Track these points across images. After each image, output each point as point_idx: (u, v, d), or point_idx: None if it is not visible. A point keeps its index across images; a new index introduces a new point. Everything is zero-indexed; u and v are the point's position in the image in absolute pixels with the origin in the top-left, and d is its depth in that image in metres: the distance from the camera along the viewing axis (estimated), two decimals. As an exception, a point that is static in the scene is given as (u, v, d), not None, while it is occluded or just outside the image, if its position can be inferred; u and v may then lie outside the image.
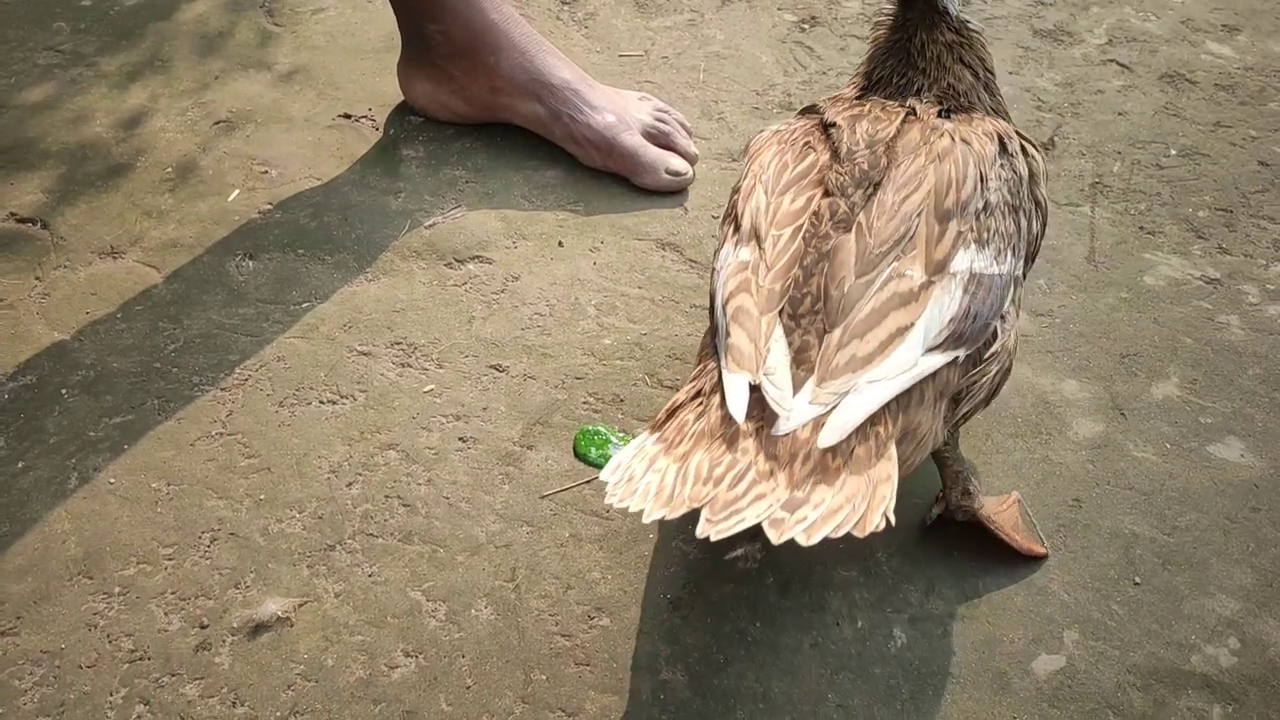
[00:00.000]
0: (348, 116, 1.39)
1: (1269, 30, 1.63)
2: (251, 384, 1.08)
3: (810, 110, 0.96)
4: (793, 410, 0.74)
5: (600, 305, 1.18)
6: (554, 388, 1.08)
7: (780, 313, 0.79)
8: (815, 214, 0.83)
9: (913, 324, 0.77)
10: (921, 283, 0.79)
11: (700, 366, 0.85)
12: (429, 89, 1.34)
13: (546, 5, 1.63)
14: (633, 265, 1.23)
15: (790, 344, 0.78)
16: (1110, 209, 1.31)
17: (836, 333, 0.77)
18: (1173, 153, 1.39)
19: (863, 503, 0.70)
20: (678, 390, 1.00)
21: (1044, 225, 0.92)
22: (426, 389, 1.08)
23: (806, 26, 1.62)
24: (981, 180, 0.84)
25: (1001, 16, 1.63)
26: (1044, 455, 1.03)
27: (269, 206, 1.27)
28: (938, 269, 0.79)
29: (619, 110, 1.31)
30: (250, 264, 1.20)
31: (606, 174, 1.32)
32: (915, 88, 0.93)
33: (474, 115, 1.35)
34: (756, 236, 0.84)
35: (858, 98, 0.95)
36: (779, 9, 1.66)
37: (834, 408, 0.74)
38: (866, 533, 0.69)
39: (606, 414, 1.06)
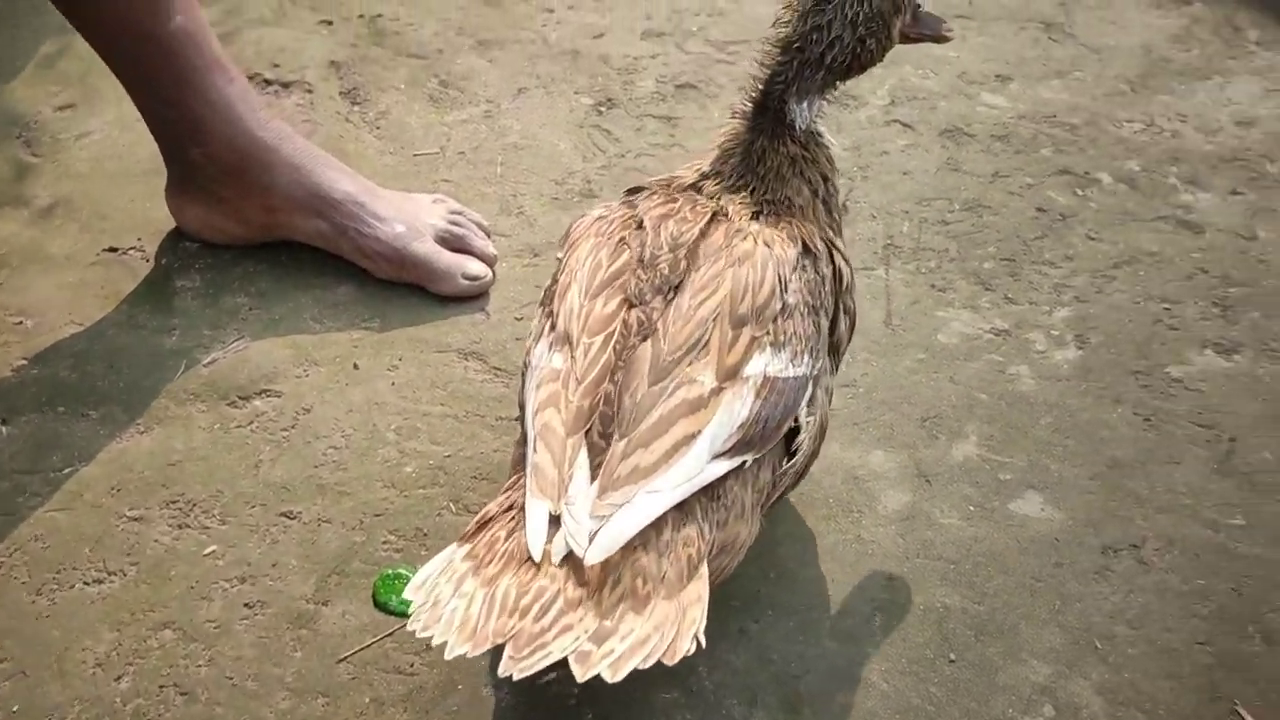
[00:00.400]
0: (114, 250, 1.31)
1: (1038, 76, 1.72)
2: (4, 571, 0.97)
3: (636, 192, 0.94)
4: (570, 536, 0.73)
5: (400, 429, 1.12)
6: (351, 530, 1.02)
7: (588, 431, 0.78)
8: (625, 322, 0.83)
9: (699, 432, 0.77)
10: (712, 389, 0.78)
11: (514, 478, 0.82)
12: (201, 213, 1.27)
13: (335, 108, 1.58)
14: (434, 381, 1.18)
15: (593, 465, 0.77)
16: (903, 269, 1.34)
17: (622, 443, 0.77)
18: (956, 207, 1.44)
19: (671, 629, 0.70)
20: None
21: (851, 328, 0.94)
22: (207, 551, 1.00)
23: (604, 109, 1.63)
24: (780, 283, 0.83)
25: (788, 84, 1.67)
26: (856, 535, 1.02)
27: (23, 362, 1.17)
28: (729, 374, 0.79)
29: (409, 218, 1.27)
30: (3, 430, 1.10)
31: (403, 285, 1.28)
32: (750, 191, 0.91)
33: (254, 236, 1.28)
34: (569, 341, 0.83)
35: (688, 185, 0.93)
36: (575, 93, 1.66)
37: (605, 526, 0.73)
38: (676, 659, 0.69)
39: (409, 552, 1.00)
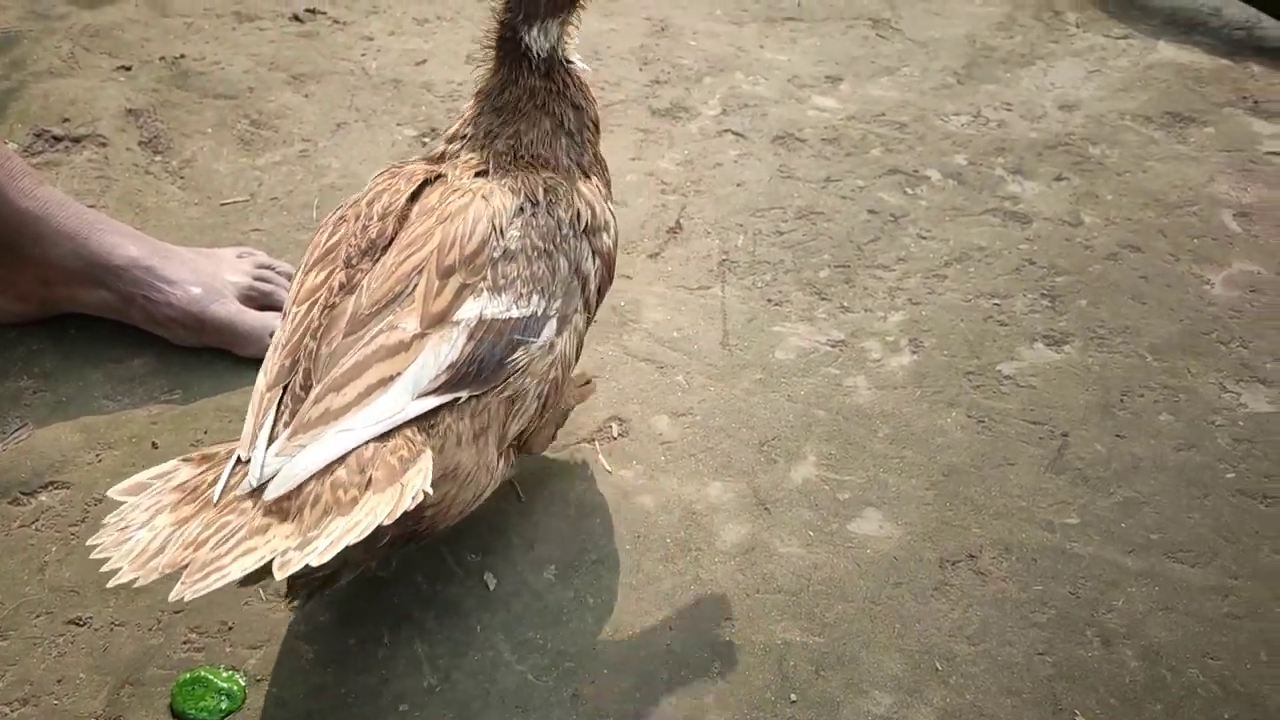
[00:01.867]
0: (-122, 340, 1.18)
1: (867, 75, 1.72)
2: None
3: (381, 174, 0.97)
4: (260, 468, 0.78)
5: (205, 509, 1.04)
6: (147, 631, 0.93)
7: (289, 386, 0.83)
8: (330, 287, 0.87)
9: (399, 374, 0.81)
10: (415, 334, 0.83)
11: None
12: (-28, 293, 1.16)
13: (133, 160, 1.47)
14: (242, 452, 1.09)
15: (283, 415, 0.82)
16: (739, 285, 1.31)
17: (315, 389, 0.81)
18: (790, 216, 1.42)
19: (391, 500, 0.74)
20: (287, 596, 0.90)
21: (609, 270, 0.96)
22: (-16, 672, 0.90)
23: (427, 139, 1.56)
24: (496, 231, 0.87)
25: (620, 101, 1.63)
26: (694, 575, 0.98)
27: None
28: (434, 320, 0.83)
29: (206, 278, 1.18)
30: None
31: (207, 350, 1.19)
32: (493, 135, 0.94)
33: (33, 313, 1.18)
34: (284, 313, 0.89)
35: (436, 155, 0.96)
36: (398, 125, 1.58)
37: (291, 461, 0.78)
38: (407, 504, 0.73)
39: (211, 650, 0.92)
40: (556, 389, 0.91)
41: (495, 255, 0.86)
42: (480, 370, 0.84)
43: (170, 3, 1.80)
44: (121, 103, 1.56)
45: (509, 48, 0.92)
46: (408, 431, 0.81)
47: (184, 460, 0.82)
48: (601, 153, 0.99)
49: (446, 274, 0.84)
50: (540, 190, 0.91)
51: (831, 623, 0.94)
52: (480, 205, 0.87)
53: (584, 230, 0.92)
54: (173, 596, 0.71)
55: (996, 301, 1.28)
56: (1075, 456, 1.08)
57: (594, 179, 0.97)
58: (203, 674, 0.88)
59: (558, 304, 0.89)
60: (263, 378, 0.85)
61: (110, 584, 0.72)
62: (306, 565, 0.71)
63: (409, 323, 0.83)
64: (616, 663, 0.91)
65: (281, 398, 0.83)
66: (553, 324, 0.89)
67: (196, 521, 0.76)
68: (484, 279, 0.85)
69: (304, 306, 0.87)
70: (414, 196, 0.91)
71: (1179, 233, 1.37)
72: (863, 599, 0.96)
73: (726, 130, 1.58)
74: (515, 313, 0.86)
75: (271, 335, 1.18)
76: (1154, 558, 0.98)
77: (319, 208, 1.42)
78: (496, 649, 0.92)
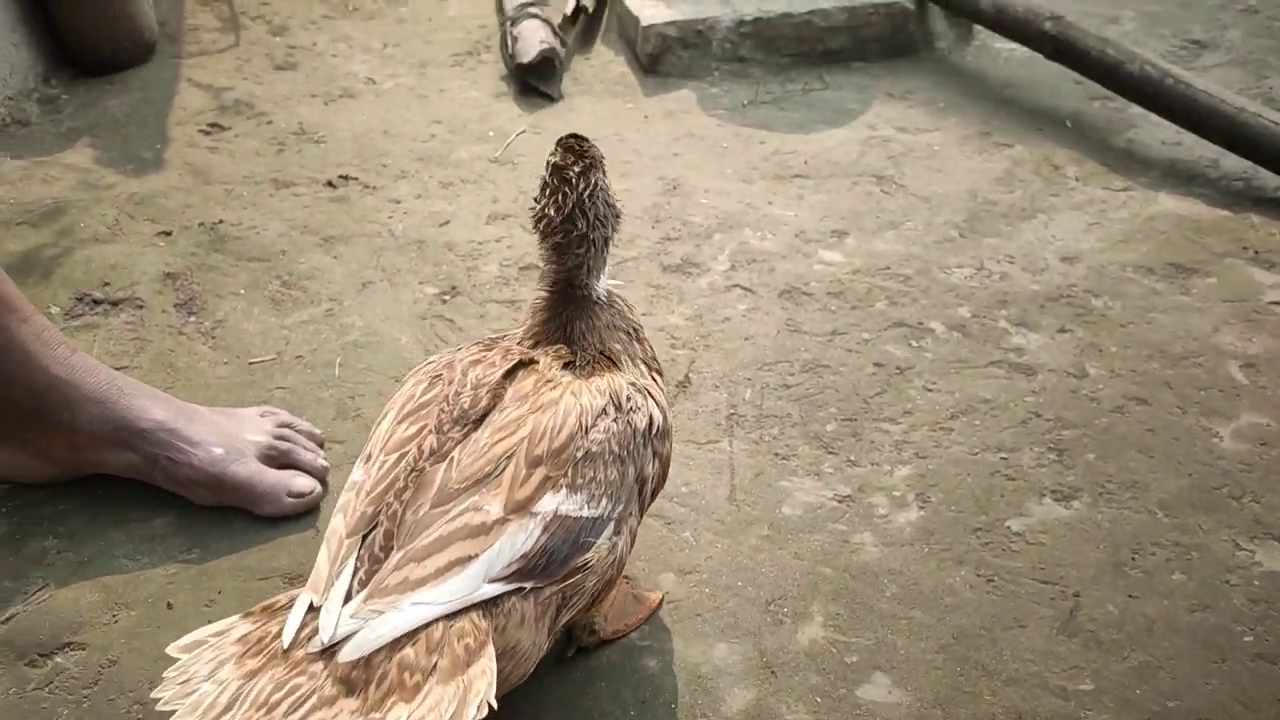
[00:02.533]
0: (-86, 501, 1.23)
1: (872, 230, 1.78)
2: None
3: (473, 345, 1.03)
4: (334, 626, 0.79)
5: (215, 672, 1.04)
6: (149, 800, 0.93)
7: (366, 536, 0.85)
8: (419, 446, 0.90)
9: (477, 555, 0.84)
10: (497, 518, 0.85)
11: None
12: (4, 456, 1.20)
13: (168, 322, 1.54)
14: (254, 612, 1.11)
15: (360, 570, 0.83)
16: (746, 439, 1.33)
17: (396, 555, 0.84)
18: (797, 369, 1.45)
19: (452, 704, 0.75)
20: None
21: (664, 471, 1.00)
22: (-17, 845, 0.90)
23: (448, 298, 1.62)
24: (582, 430, 0.91)
25: (632, 258, 1.70)
26: (699, 744, 0.97)
27: None
28: (517, 508, 0.86)
29: (227, 439, 1.22)
30: None
31: (228, 509, 1.22)
32: (573, 335, 1.01)
33: (63, 474, 1.22)
34: (369, 459, 0.92)
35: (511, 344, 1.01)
36: (420, 283, 1.65)
37: (367, 625, 0.79)
38: (471, 715, 0.74)
39: (211, 820, 0.91)
40: (609, 585, 0.94)
41: (578, 455, 0.89)
42: (549, 564, 0.86)
43: (212, 171, 1.92)
44: (160, 267, 1.65)
45: (578, 297, 1.00)
46: (474, 615, 0.82)
47: (243, 616, 0.84)
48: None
49: (534, 464, 0.88)
50: (624, 395, 0.95)
51: (839, 796, 0.92)
52: (570, 401, 0.91)
53: (652, 435, 0.97)
54: None
55: (1004, 455, 1.29)
56: (1087, 618, 1.07)
57: (658, 378, 1.04)
58: None
59: (620, 508, 0.93)
60: (340, 519, 0.87)
61: None
62: None
63: (493, 506, 0.85)
64: (619, 839, 0.89)
65: (359, 551, 0.85)
66: (613, 525, 0.92)
67: (265, 678, 0.77)
68: (565, 475, 0.88)
69: (392, 458, 0.90)
70: (508, 374, 0.95)
71: (1185, 384, 1.38)
72: (871, 770, 0.94)
73: (735, 285, 1.63)
74: (586, 512, 0.89)
75: (289, 494, 1.21)
76: (1171, 727, 0.95)
77: (341, 365, 1.47)
78: (497, 823, 0.91)
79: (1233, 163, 1.90)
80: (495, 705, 0.74)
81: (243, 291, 1.63)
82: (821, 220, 1.80)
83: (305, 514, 1.22)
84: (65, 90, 2.15)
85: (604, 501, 0.91)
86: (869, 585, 1.12)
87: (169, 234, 1.74)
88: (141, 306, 1.56)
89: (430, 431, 0.91)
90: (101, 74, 2.19)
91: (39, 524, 1.20)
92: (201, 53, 2.35)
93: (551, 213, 0.98)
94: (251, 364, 1.48)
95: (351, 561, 0.84)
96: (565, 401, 0.91)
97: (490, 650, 0.80)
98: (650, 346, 1.05)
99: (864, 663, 1.03)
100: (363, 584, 0.83)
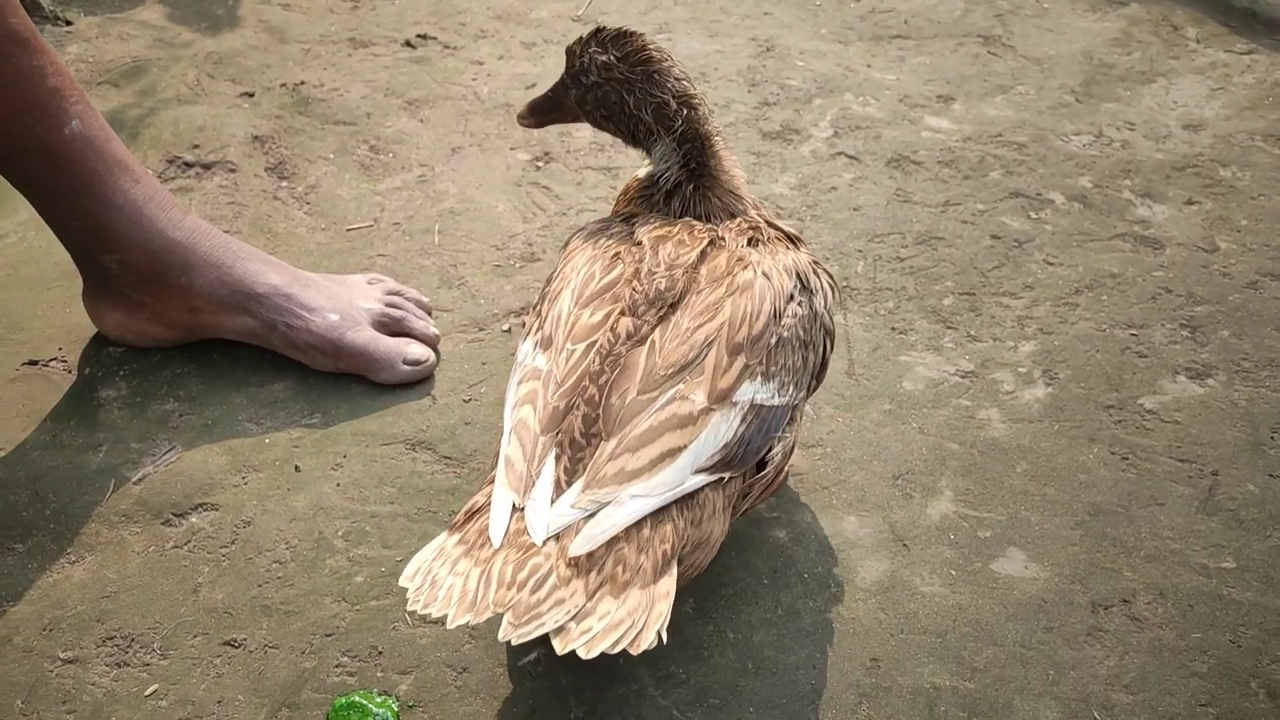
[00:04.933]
0: (34, 363, 1.23)
1: (980, 94, 1.69)
2: (-73, 739, 0.90)
3: (629, 218, 0.99)
4: (550, 522, 0.79)
5: (349, 535, 1.06)
6: (301, 654, 0.95)
7: (560, 430, 0.83)
8: (613, 331, 0.87)
9: (685, 446, 0.82)
10: (702, 408, 0.83)
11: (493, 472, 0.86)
12: (121, 318, 1.20)
13: (261, 186, 1.51)
14: (381, 477, 1.11)
15: (561, 461, 0.82)
16: (861, 313, 1.30)
17: (611, 444, 0.82)
18: (910, 241, 1.40)
19: (641, 617, 0.75)
20: (441, 624, 0.95)
21: (831, 348, 0.98)
22: (149, 692, 0.93)
23: (541, 164, 1.57)
24: (775, 316, 0.89)
25: (729, 124, 1.63)
26: (836, 612, 0.97)
27: (-60, 498, 1.09)
28: (720, 397, 0.84)
29: (342, 306, 1.21)
30: (-81, 578, 1.02)
31: (343, 375, 1.21)
32: (733, 218, 0.99)
33: (180, 338, 1.22)
34: (553, 345, 0.89)
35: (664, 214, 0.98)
36: (511, 149, 1.60)
37: (591, 515, 0.79)
38: (640, 650, 0.74)
39: (364, 674, 0.94)
40: (780, 474, 0.93)
41: (772, 342, 0.87)
42: (744, 453, 0.85)
43: (289, 29, 1.85)
44: (248, 129, 1.61)
45: (699, 152, 0.98)
46: (674, 513, 0.81)
47: (450, 530, 0.83)
48: None
49: (735, 351, 0.85)
50: (809, 274, 0.94)
51: (981, 667, 0.92)
52: (764, 284, 0.89)
53: (828, 315, 0.95)
54: (501, 637, 0.73)
55: (1133, 332, 1.24)
56: (1227, 497, 1.05)
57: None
58: (357, 699, 0.90)
59: (800, 395, 0.91)
60: (529, 411, 0.85)
61: (449, 625, 0.74)
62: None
63: (698, 395, 0.83)
64: (761, 702, 0.91)
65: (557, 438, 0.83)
66: (792, 411, 0.91)
67: (500, 559, 0.77)
68: (760, 363, 0.86)
69: (581, 346, 0.87)
70: (702, 254, 0.92)
71: (1323, 260, 1.32)
72: (1012, 643, 0.94)
73: (839, 153, 1.57)
74: (776, 401, 0.87)
75: (405, 361, 1.20)
76: (1320, 606, 0.94)
77: (440, 232, 1.44)
78: (640, 682, 0.92)
79: (1369, 23, 1.77)
80: (665, 638, 0.75)
81: (331, 156, 1.59)
82: (926, 84, 1.71)
83: (420, 382, 1.21)
84: (129, -58, 2.06)
85: (790, 389, 0.89)
86: (998, 461, 1.10)
87: (251, 95, 1.69)
88: (234, 170, 1.53)
89: (624, 314, 0.88)
90: (163, -75, 2.10)
91: (158, 387, 1.20)
92: (263, -98, 2.23)
93: (666, 96, 0.96)
94: (349, 230, 1.45)
95: (551, 457, 0.82)
96: (759, 284, 0.89)
97: (675, 567, 0.79)
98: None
99: (998, 538, 1.03)
100: (569, 473, 0.81)
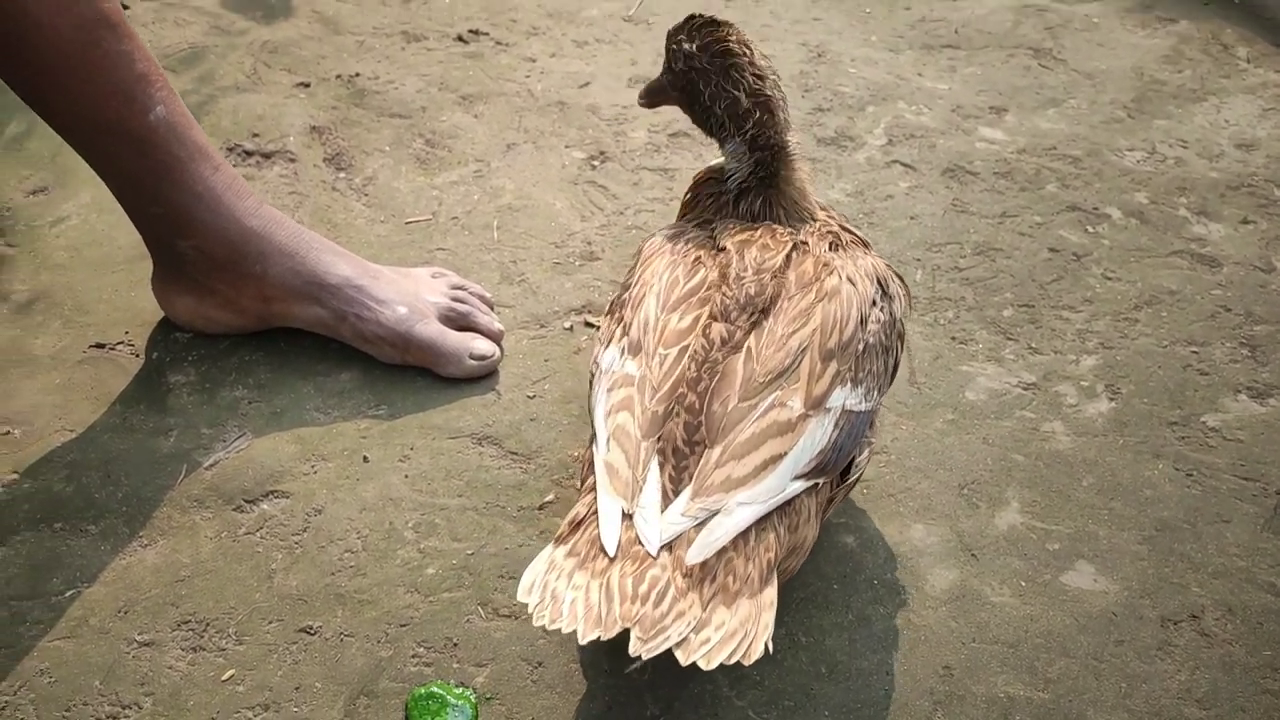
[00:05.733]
0: (101, 346, 1.24)
1: (1033, 106, 1.70)
2: (9, 712, 0.91)
3: (702, 223, 1.00)
4: (662, 530, 0.80)
5: (418, 526, 1.07)
6: (376, 643, 0.96)
7: (660, 437, 0.85)
8: (705, 336, 0.88)
9: (786, 453, 0.83)
10: (799, 414, 0.85)
11: (592, 479, 0.87)
12: (192, 304, 1.21)
13: (320, 177, 1.52)
14: (449, 470, 1.12)
15: (665, 468, 0.83)
16: (921, 322, 1.30)
17: (716, 451, 0.83)
18: (968, 252, 1.41)
19: (752, 627, 0.77)
20: (514, 618, 0.97)
21: (902, 353, 0.99)
22: (225, 676, 0.94)
23: (597, 163, 1.58)
24: (862, 323, 0.90)
25: (785, 128, 1.63)
26: (906, 619, 0.98)
27: (14, 476, 1.10)
28: (815, 403, 0.86)
29: (410, 299, 1.21)
30: (-2, 555, 1.03)
31: (409, 368, 1.22)
32: (813, 222, 1.00)
33: (249, 325, 1.22)
34: (644, 351, 0.89)
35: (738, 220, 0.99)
36: (566, 147, 1.61)
37: (703, 524, 0.80)
38: (752, 661, 0.76)
39: (440, 665, 0.95)
40: (859, 480, 0.95)
41: (859, 348, 0.89)
42: (837, 459, 0.87)
43: (342, 20, 1.86)
44: (305, 120, 1.61)
45: (772, 158, 0.98)
46: (774, 520, 0.83)
47: (555, 542, 0.83)
48: None
49: (828, 358, 0.87)
50: (889, 279, 0.96)
51: (1055, 678, 0.93)
52: (849, 290, 0.90)
53: (901, 320, 0.97)
54: (633, 651, 0.73)
55: (1194, 349, 1.25)
56: (1293, 516, 1.06)
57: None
58: (436, 690, 0.91)
59: (881, 400, 0.93)
60: (628, 418, 0.85)
61: (581, 641, 0.74)
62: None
63: (795, 401, 0.85)
64: (836, 706, 0.92)
65: (658, 446, 0.84)
66: (872, 418, 0.93)
67: (618, 571, 0.78)
68: (850, 370, 0.88)
69: (673, 351, 0.87)
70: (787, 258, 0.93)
71: (1381, 283, 1.33)
72: (1084, 655, 0.95)
73: (895, 161, 1.57)
74: (864, 406, 0.89)
75: (471, 356, 1.21)
76: (1391, 628, 0.95)
77: (499, 228, 1.45)
78: (715, 683, 0.93)
79: None
80: (773, 649, 0.76)
81: (387, 149, 1.59)
82: (978, 95, 1.72)
83: (485, 377, 1.22)
84: (181, -72, 2.07)
85: (875, 394, 0.91)
86: (1064, 474, 1.11)
87: (307, 85, 1.70)
88: (294, 160, 1.54)
89: (715, 319, 0.89)
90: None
91: (227, 374, 1.21)
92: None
93: (739, 94, 0.95)
94: (408, 223, 1.46)
95: (654, 463, 0.83)
96: (846, 290, 0.90)
97: (775, 576, 0.81)
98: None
99: (1067, 550, 1.03)
100: (674, 480, 0.82)
